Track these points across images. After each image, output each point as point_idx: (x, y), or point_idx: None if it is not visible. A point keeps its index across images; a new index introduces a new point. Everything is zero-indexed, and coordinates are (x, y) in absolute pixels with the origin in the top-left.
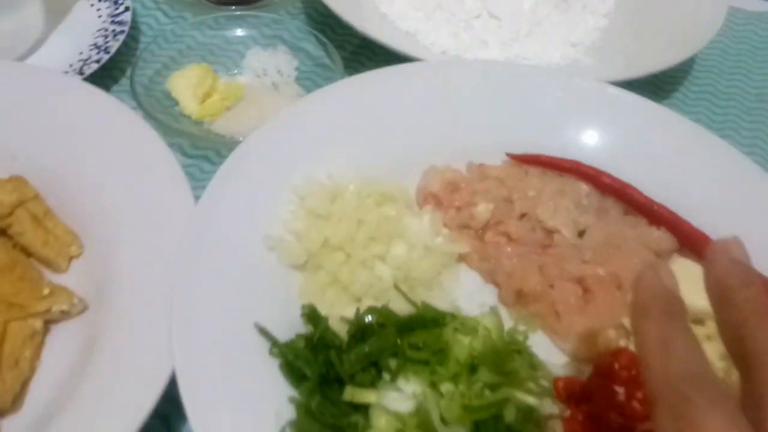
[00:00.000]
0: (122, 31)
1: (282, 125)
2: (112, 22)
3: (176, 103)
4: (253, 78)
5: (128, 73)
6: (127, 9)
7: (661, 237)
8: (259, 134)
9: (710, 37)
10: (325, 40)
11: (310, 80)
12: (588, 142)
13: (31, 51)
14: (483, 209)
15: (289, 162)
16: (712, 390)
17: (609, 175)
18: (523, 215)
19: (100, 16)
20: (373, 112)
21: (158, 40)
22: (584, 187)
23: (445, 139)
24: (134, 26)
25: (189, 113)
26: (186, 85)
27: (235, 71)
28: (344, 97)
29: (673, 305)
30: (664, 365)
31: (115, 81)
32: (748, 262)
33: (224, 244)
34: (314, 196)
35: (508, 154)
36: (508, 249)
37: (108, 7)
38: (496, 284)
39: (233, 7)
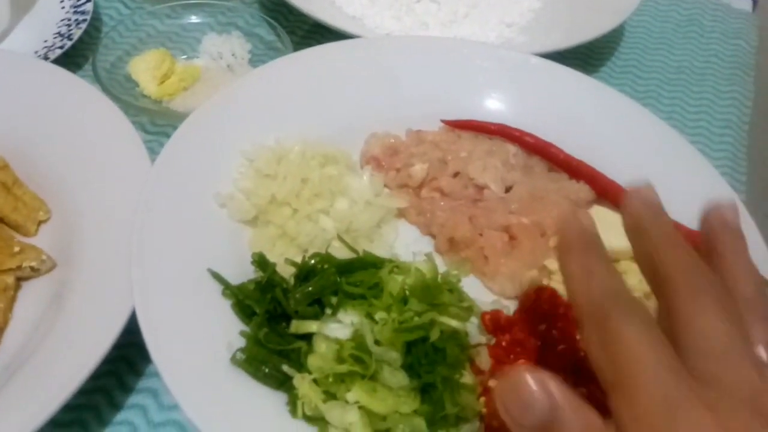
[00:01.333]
0: (84, 20)
1: (232, 96)
2: (75, 11)
3: (136, 84)
4: (209, 61)
5: (91, 60)
6: (88, 0)
7: (580, 188)
8: (211, 104)
9: (633, 9)
10: (275, 24)
11: (262, 62)
12: (516, 109)
13: None
14: (419, 169)
15: (239, 130)
16: (629, 304)
17: (533, 136)
18: (456, 174)
19: (63, 8)
20: (318, 85)
21: (119, 27)
22: (511, 148)
23: (385, 109)
24: (96, 17)
25: (149, 94)
26: (145, 68)
27: (192, 55)
28: (291, 70)
29: (592, 240)
30: (587, 288)
31: (79, 67)
32: (659, 202)
33: (179, 201)
34: (261, 158)
35: (442, 120)
36: (442, 203)
37: None
38: (432, 235)
39: None
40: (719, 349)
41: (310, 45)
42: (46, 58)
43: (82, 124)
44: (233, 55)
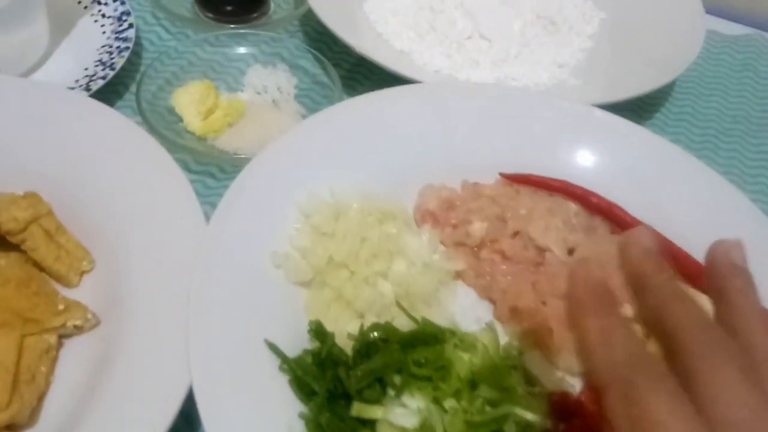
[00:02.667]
0: (127, 48)
1: (285, 146)
2: (117, 38)
3: (180, 119)
4: (254, 95)
5: (132, 88)
6: (131, 26)
7: None
8: (264, 155)
9: (690, 62)
10: (322, 58)
11: (308, 98)
12: (576, 162)
13: (37, 66)
14: (478, 227)
15: (294, 181)
16: (653, 371)
17: (596, 195)
18: (515, 233)
19: (104, 32)
20: (372, 133)
21: (162, 57)
22: (573, 207)
23: (440, 159)
24: (137, 42)
25: (192, 129)
26: (189, 101)
27: (237, 88)
28: (344, 119)
29: (607, 297)
30: (607, 354)
31: (120, 96)
32: (658, 249)
33: (234, 261)
34: (319, 213)
35: (500, 174)
36: (503, 267)
37: (112, 24)
38: (491, 300)
39: (231, 25)
40: (746, 418)
41: (356, 79)
42: (87, 89)
43: (128, 167)
44: (279, 89)
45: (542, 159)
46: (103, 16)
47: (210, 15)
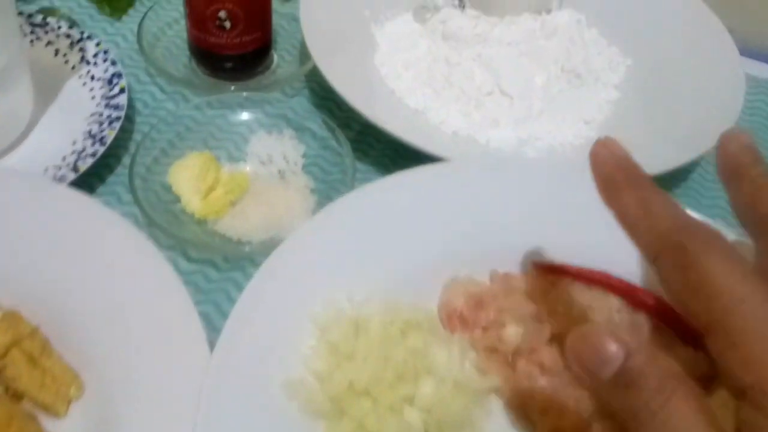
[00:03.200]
0: (118, 118)
1: (297, 247)
2: (107, 105)
3: (177, 198)
4: (258, 165)
5: (124, 159)
6: (122, 90)
7: (697, 359)
8: (273, 260)
9: (726, 126)
10: (331, 123)
11: (317, 165)
12: (615, 245)
13: (21, 139)
14: (512, 333)
15: (308, 288)
16: (704, 233)
17: (641, 290)
18: (552, 335)
19: (93, 98)
20: (390, 224)
21: (158, 125)
22: (615, 302)
23: (466, 247)
24: (129, 104)
25: (191, 211)
26: (188, 178)
27: (239, 157)
28: (357, 212)
29: (636, 171)
30: (651, 225)
31: (111, 170)
32: (756, 147)
33: (244, 391)
34: (336, 327)
35: (534, 264)
36: (542, 382)
37: (102, 87)
38: (531, 421)
39: (232, 84)
40: None
41: (368, 141)
42: (75, 169)
43: (119, 276)
44: (285, 158)
45: (577, 240)
46: (93, 78)
47: (208, 73)
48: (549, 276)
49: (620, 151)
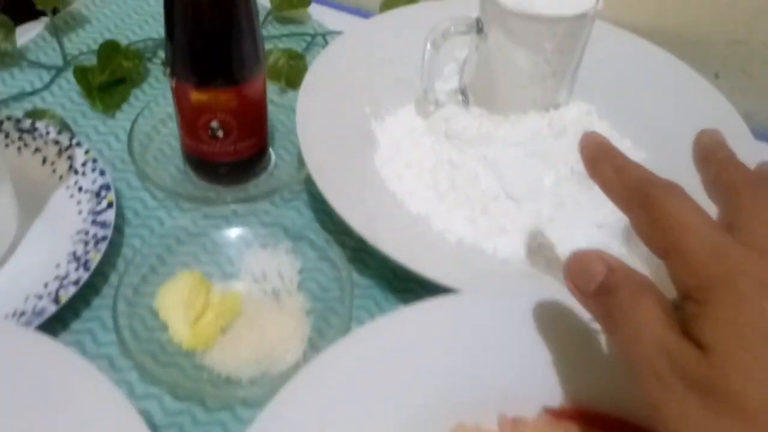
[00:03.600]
0: (104, 237)
1: (292, 399)
2: (94, 222)
3: (164, 326)
4: (252, 284)
5: (111, 278)
6: (110, 204)
7: None
8: (270, 414)
9: None
10: (328, 236)
11: (314, 281)
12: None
13: (6, 257)
14: None
15: None
16: (664, 183)
17: None
18: None
19: (80, 212)
20: (390, 369)
21: (149, 240)
22: None
23: (472, 389)
24: (119, 212)
25: (179, 341)
26: (176, 303)
27: (232, 274)
28: (355, 357)
29: (612, 148)
30: (623, 181)
31: (96, 291)
32: (725, 140)
33: None
34: None
35: (545, 409)
36: None
37: (89, 201)
38: None
39: (226, 192)
40: None
41: (367, 250)
42: (56, 300)
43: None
44: (280, 275)
45: (594, 385)
46: (80, 189)
47: (202, 178)
48: (562, 421)
49: (602, 138)
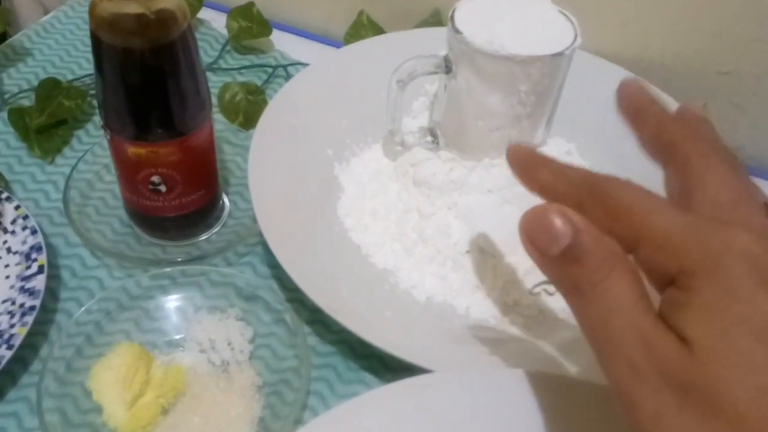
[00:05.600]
0: (32, 308)
1: None
2: (22, 289)
3: (99, 408)
4: (197, 354)
5: (42, 351)
6: (41, 269)
7: None
8: None
9: None
10: (283, 299)
11: (268, 348)
12: None
13: None
14: None
15: None
16: (608, 176)
17: None
18: None
19: (7, 277)
20: None
21: (86, 308)
22: None
23: None
24: (54, 273)
25: (114, 426)
26: (112, 382)
27: (176, 344)
28: None
29: (545, 156)
30: (568, 181)
31: (25, 367)
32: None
33: None
34: None
35: None
36: None
37: (18, 264)
38: None
39: (175, 249)
40: (731, 198)
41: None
42: None
43: None
44: (230, 345)
45: None
46: (9, 250)
47: (147, 233)
48: None
49: (529, 147)
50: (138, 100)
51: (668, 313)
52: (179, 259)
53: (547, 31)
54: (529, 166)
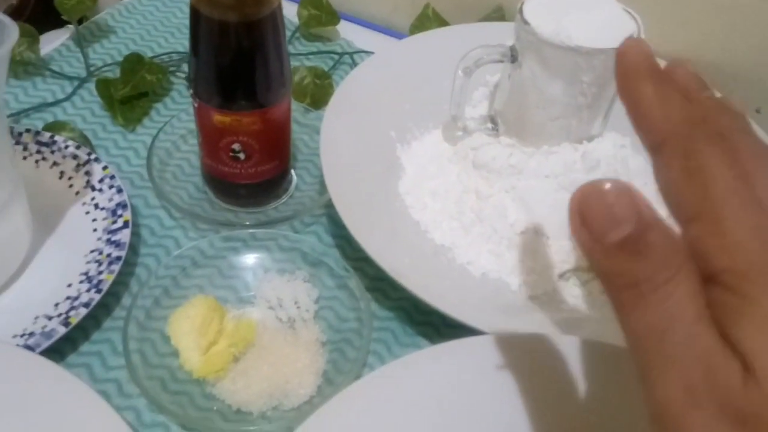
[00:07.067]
0: (118, 258)
1: None
2: (108, 241)
3: (176, 352)
4: (266, 310)
5: (123, 299)
6: (126, 224)
7: None
8: None
9: None
10: (347, 265)
11: (331, 310)
12: None
13: (14, 279)
14: None
15: None
16: (712, 131)
17: None
18: None
19: (95, 230)
20: (407, 412)
21: (166, 263)
22: None
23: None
24: (134, 231)
25: (189, 369)
26: (188, 330)
27: (247, 300)
28: (372, 398)
29: (661, 71)
30: (665, 112)
31: (108, 312)
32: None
33: None
34: None
35: None
36: None
37: (105, 218)
38: None
39: (245, 213)
40: None
41: (388, 279)
42: (66, 323)
43: None
44: (296, 303)
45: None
46: (96, 206)
47: (221, 198)
48: None
49: (648, 49)
50: (228, 72)
51: (722, 320)
52: (250, 223)
53: (610, 27)
54: (637, 73)
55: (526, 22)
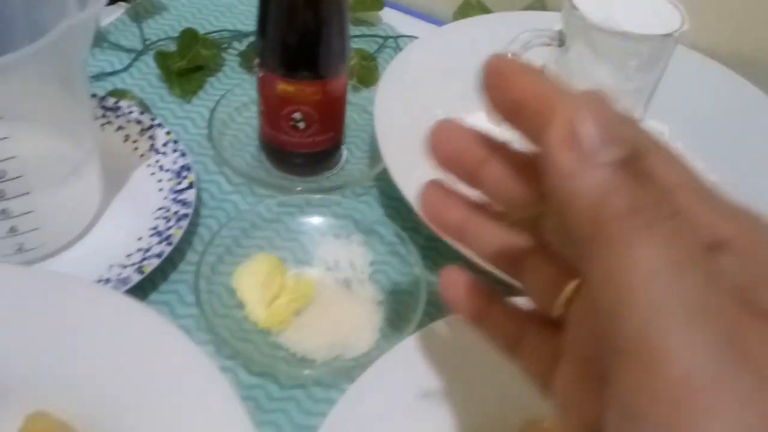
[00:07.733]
0: (186, 215)
1: (370, 386)
2: (175, 200)
3: (241, 304)
4: (324, 272)
5: (188, 255)
6: (191, 185)
7: None
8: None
9: None
10: (400, 231)
11: (384, 274)
12: None
13: (89, 228)
14: None
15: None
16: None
17: None
18: None
19: (161, 189)
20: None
21: (228, 223)
22: None
23: None
24: (196, 195)
25: (255, 320)
26: (253, 285)
27: (305, 261)
28: (434, 349)
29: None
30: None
31: (174, 266)
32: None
33: None
34: None
35: None
36: None
37: (170, 180)
38: None
39: (298, 181)
40: None
41: (438, 248)
42: (140, 271)
43: (172, 391)
44: (352, 265)
45: None
46: (161, 168)
47: (276, 166)
48: None
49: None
50: (296, 42)
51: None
52: (304, 191)
53: (656, 15)
54: (509, 74)
55: (575, 8)
